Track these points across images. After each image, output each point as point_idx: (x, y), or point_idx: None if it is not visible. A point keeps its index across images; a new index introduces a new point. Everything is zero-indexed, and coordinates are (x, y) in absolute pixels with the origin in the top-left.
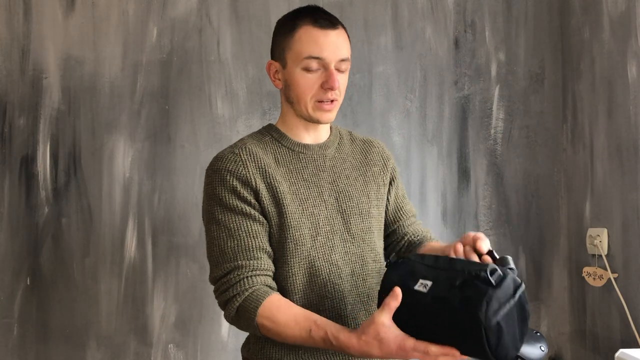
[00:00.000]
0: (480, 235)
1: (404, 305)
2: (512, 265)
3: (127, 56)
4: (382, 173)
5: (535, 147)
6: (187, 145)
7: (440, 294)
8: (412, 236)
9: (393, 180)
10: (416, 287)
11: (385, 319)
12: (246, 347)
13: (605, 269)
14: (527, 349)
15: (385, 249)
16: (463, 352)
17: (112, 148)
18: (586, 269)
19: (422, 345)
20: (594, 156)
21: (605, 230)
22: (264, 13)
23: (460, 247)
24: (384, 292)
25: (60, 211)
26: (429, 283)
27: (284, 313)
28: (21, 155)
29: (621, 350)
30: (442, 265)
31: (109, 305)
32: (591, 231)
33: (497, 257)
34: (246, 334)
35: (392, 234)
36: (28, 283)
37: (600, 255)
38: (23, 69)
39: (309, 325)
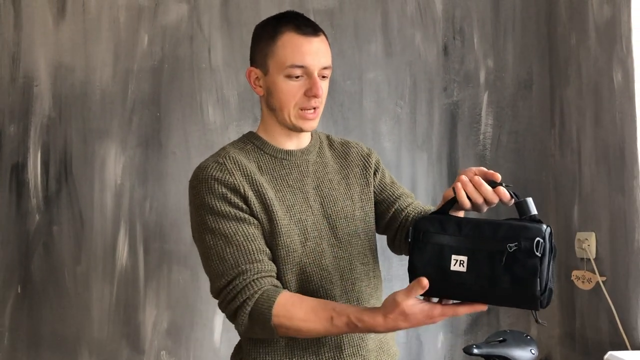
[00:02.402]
0: (482, 168)
1: (443, 287)
2: (533, 210)
3: (118, 63)
4: (364, 172)
5: (523, 152)
6: (179, 152)
7: (484, 273)
8: (416, 214)
9: (377, 171)
10: (453, 268)
11: (408, 300)
12: (237, 356)
13: (594, 273)
14: (517, 352)
15: (393, 238)
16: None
17: (103, 155)
18: (575, 273)
19: (449, 310)
20: (581, 161)
21: (594, 234)
22: (255, 20)
23: (465, 179)
24: (414, 276)
25: (52, 219)
26: (465, 259)
27: (300, 307)
28: (12, 163)
29: (610, 352)
30: (468, 232)
31: (101, 312)
32: (579, 235)
33: (519, 199)
34: (236, 342)
35: (393, 219)
36: (19, 291)
37: (589, 259)
38: (13, 76)
39: (329, 314)
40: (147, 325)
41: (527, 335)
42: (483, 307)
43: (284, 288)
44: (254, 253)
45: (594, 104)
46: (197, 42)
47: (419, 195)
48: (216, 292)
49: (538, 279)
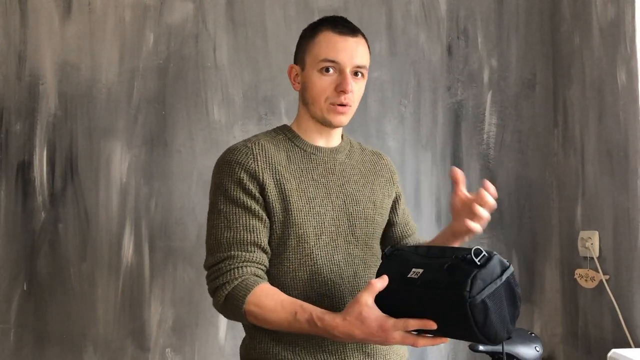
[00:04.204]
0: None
1: (396, 292)
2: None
3: (124, 62)
4: (388, 185)
5: (527, 151)
6: (184, 150)
7: (430, 278)
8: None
9: (399, 197)
10: (409, 275)
11: (368, 299)
12: (243, 346)
13: (597, 271)
14: (522, 350)
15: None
16: (455, 336)
17: (109, 153)
18: (578, 271)
19: (401, 321)
20: (584, 160)
21: (597, 233)
22: (260, 20)
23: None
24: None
25: (57, 216)
26: (420, 270)
27: (271, 299)
28: (18, 161)
29: (613, 350)
30: (433, 254)
31: (106, 310)
32: (583, 234)
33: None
34: (241, 339)
35: (390, 239)
36: (25, 288)
37: (592, 258)
38: (20, 74)
39: (295, 308)
40: (152, 322)
41: (531, 333)
42: (432, 325)
43: (291, 276)
44: (247, 244)
45: (598, 104)
46: (203, 41)
47: (422, 194)
48: (206, 267)
49: (470, 281)
